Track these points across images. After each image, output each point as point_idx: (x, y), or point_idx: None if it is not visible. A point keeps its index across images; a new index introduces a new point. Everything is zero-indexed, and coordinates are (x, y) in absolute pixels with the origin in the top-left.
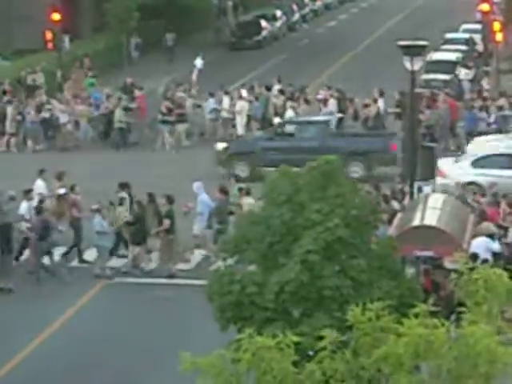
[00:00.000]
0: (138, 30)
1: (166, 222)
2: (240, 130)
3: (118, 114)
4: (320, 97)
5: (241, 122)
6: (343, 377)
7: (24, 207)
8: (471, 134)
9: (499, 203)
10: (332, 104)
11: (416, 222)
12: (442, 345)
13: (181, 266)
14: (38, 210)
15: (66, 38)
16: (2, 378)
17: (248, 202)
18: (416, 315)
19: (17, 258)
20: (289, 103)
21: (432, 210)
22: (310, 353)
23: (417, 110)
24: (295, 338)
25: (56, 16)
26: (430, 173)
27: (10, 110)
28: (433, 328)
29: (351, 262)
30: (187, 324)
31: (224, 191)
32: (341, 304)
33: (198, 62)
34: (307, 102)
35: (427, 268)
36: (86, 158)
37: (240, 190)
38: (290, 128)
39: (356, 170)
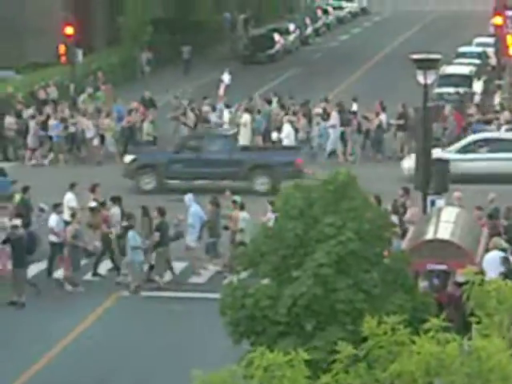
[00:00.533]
0: (152, 44)
1: (156, 235)
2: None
3: (147, 127)
4: (318, 110)
5: (244, 134)
6: None
7: (53, 220)
8: None
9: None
10: (334, 117)
11: (429, 236)
12: (454, 361)
13: (194, 279)
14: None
15: (80, 52)
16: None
17: (242, 216)
18: (428, 331)
19: (49, 272)
20: (286, 117)
21: (445, 224)
22: (324, 366)
23: (430, 124)
24: (306, 356)
25: (69, 30)
26: (443, 186)
27: (32, 124)
28: (445, 343)
29: (364, 276)
30: (199, 338)
31: (215, 203)
32: (354, 318)
33: (226, 77)
34: (305, 116)
35: (442, 282)
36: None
37: (234, 202)
38: (196, 141)
39: (262, 183)
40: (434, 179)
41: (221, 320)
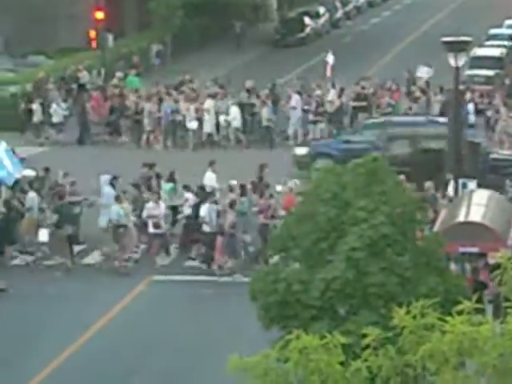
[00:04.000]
0: (182, 28)
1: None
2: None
3: (265, 112)
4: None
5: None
6: (388, 373)
7: (204, 209)
8: None
9: None
10: (295, 100)
11: (461, 219)
12: (486, 342)
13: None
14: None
15: (110, 37)
16: (47, 376)
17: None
18: (460, 312)
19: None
20: (231, 100)
21: (477, 207)
22: (357, 350)
23: (460, 106)
24: (342, 339)
25: (100, 14)
26: (475, 169)
27: (147, 106)
28: (477, 325)
29: (396, 259)
30: (228, 323)
31: (137, 187)
32: (386, 301)
33: (330, 58)
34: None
35: (476, 266)
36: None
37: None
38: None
39: None
40: (466, 162)
41: (251, 304)
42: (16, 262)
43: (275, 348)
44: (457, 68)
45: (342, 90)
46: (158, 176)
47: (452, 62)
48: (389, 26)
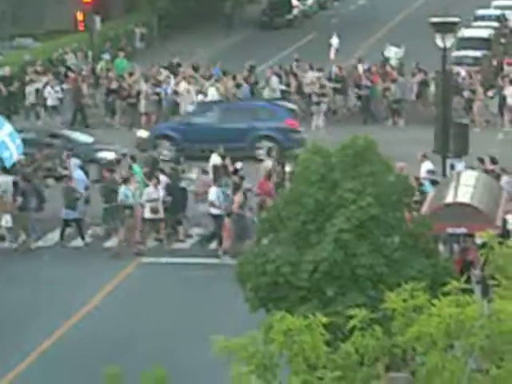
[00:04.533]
0: (168, 10)
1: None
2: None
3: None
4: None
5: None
6: (376, 353)
7: (213, 193)
8: None
9: None
10: (274, 81)
11: (449, 199)
12: (473, 323)
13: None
14: None
15: (97, 19)
16: (37, 358)
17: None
18: (447, 293)
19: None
20: (208, 83)
21: (465, 187)
22: (345, 331)
23: (449, 88)
24: (324, 319)
25: None
26: (463, 150)
27: (144, 88)
28: (465, 306)
29: (385, 241)
30: (216, 305)
31: (110, 170)
32: (374, 282)
33: (334, 41)
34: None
35: (464, 246)
36: None
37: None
38: None
39: None
40: (453, 142)
41: (238, 286)
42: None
43: (260, 330)
44: (444, 49)
45: (319, 71)
46: (133, 158)
47: (439, 42)
48: (376, 7)
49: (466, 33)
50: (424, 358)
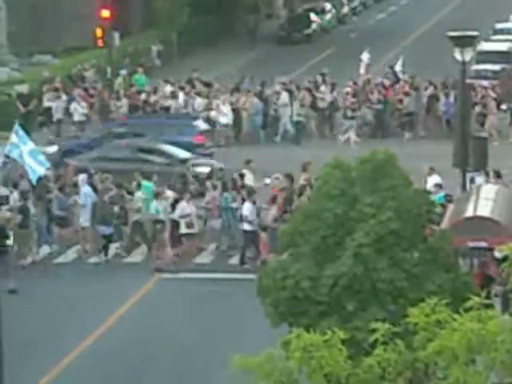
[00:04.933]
0: (188, 26)
1: None
2: None
3: (296, 107)
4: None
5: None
6: (398, 368)
7: (247, 208)
8: None
9: None
10: (284, 96)
11: (469, 213)
12: (495, 338)
13: (234, 260)
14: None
15: (116, 35)
16: (58, 375)
17: (138, 195)
18: (469, 309)
19: (242, 262)
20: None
21: (485, 201)
22: (366, 346)
23: (468, 101)
24: (343, 335)
25: (105, 13)
26: (483, 163)
27: (174, 103)
28: (486, 320)
29: (404, 255)
30: (237, 319)
31: (119, 186)
32: (394, 297)
33: (365, 56)
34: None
35: (484, 260)
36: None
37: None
38: None
39: None
40: (473, 156)
41: (258, 301)
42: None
43: (278, 347)
44: (463, 63)
45: (333, 86)
46: (143, 174)
47: (458, 56)
48: (395, 21)
49: (485, 46)
50: (446, 373)
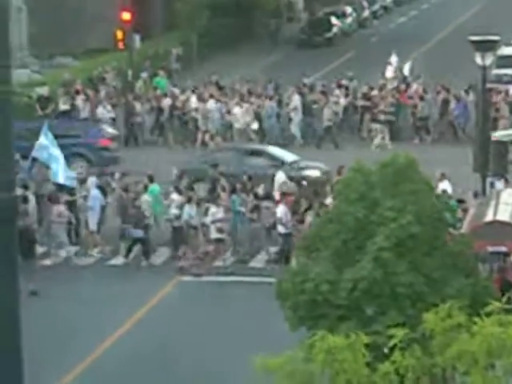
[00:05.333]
0: (207, 28)
1: None
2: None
3: (327, 112)
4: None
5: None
6: (416, 373)
7: (281, 210)
8: None
9: None
10: (296, 99)
11: (489, 218)
12: None
13: (254, 263)
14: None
15: (137, 37)
16: (74, 380)
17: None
18: (489, 313)
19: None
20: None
21: (505, 206)
22: (385, 350)
23: (488, 105)
24: (366, 339)
25: (126, 15)
26: (503, 168)
27: (201, 106)
28: (507, 325)
29: (424, 259)
30: (255, 323)
31: (125, 190)
32: (414, 301)
33: (393, 59)
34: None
35: (503, 266)
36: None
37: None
38: None
39: None
40: (493, 161)
41: (277, 305)
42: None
43: (301, 349)
44: (484, 67)
45: (347, 89)
46: (151, 178)
47: (479, 61)
48: (416, 25)
49: (505, 51)
50: (464, 378)
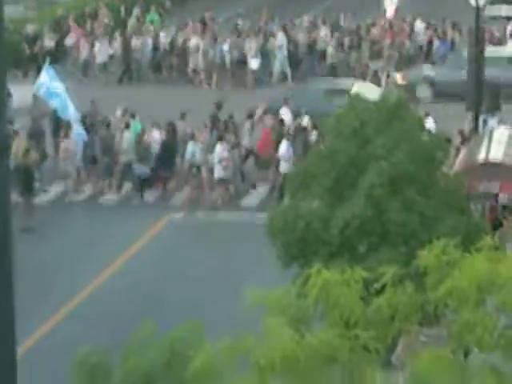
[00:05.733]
0: None
1: None
2: None
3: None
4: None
5: None
6: (407, 310)
7: (283, 147)
8: None
9: None
10: (280, 36)
11: (481, 157)
12: (506, 279)
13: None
14: None
15: None
16: (65, 316)
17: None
18: (480, 249)
19: None
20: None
21: (497, 145)
22: (375, 286)
23: (482, 45)
24: (363, 273)
25: None
26: (496, 105)
27: (202, 44)
28: (497, 262)
29: (416, 197)
30: (246, 260)
31: (107, 125)
32: (406, 239)
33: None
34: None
35: (494, 205)
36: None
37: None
38: None
39: None
40: (486, 98)
41: (269, 243)
42: None
43: (295, 284)
44: (477, 8)
45: (332, 28)
46: (133, 115)
47: (472, 1)
48: None
49: None
50: (455, 315)
